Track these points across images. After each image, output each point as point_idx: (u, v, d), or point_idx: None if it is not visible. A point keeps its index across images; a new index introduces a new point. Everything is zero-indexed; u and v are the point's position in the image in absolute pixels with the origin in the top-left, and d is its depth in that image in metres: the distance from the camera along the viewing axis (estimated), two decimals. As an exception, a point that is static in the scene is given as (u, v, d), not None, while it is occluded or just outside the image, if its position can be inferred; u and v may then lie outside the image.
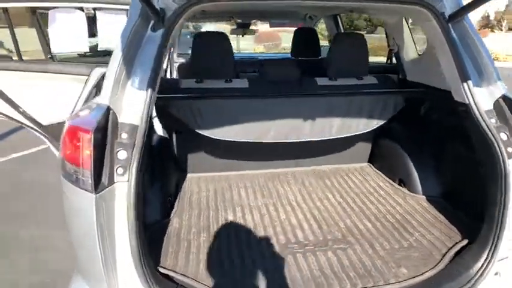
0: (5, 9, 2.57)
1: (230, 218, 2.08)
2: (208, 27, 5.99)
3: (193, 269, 1.63)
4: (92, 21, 2.83)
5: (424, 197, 2.25)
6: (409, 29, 2.45)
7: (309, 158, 2.71)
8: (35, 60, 2.79)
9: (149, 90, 1.42)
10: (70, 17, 2.70)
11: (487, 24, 34.04)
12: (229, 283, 1.59)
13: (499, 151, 1.53)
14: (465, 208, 2.02)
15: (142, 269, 1.36)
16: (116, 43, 1.55)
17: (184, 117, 2.22)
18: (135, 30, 1.48)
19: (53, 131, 2.87)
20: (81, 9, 2.74)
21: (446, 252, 1.73)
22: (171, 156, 2.53)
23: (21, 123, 2.75)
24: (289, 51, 3.62)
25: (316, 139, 2.34)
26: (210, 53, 2.27)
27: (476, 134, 1.64)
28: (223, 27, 5.68)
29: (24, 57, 2.92)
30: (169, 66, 3.51)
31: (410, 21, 2.42)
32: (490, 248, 1.55)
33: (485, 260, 1.55)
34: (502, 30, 30.22)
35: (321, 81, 2.38)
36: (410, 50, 2.48)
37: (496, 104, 1.64)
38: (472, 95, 1.63)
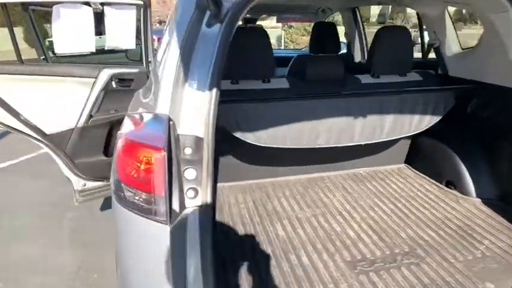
0: (3, 5, 2.25)
1: (281, 233, 1.87)
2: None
3: None
4: (98, 18, 2.54)
5: (479, 199, 2.12)
6: (452, 22, 2.31)
7: (343, 160, 2.54)
8: (36, 63, 2.47)
9: (213, 96, 1.19)
10: (76, 13, 2.41)
11: (460, 18, 34.95)
12: None
13: None
14: None
15: None
16: (168, 40, 1.32)
17: (221, 123, 2.00)
18: (192, 25, 1.25)
19: (58, 141, 2.57)
20: (88, 4, 2.45)
21: None
22: None
23: (22, 132, 2.43)
24: (276, 47, 3.39)
25: (368, 142, 2.17)
26: (247, 50, 2.05)
27: None
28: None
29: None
30: None
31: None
32: None
33: None
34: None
35: (365, 79, 2.20)
36: (454, 44, 2.34)
37: None
38: None
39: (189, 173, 1.12)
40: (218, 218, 2.00)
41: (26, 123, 2.40)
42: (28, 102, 2.41)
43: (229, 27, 1.26)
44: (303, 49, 7.37)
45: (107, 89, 2.59)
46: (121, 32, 2.63)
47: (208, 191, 1.09)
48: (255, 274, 1.56)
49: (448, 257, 1.67)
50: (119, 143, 1.13)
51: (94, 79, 2.54)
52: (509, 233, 1.82)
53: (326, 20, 3.82)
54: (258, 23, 5.18)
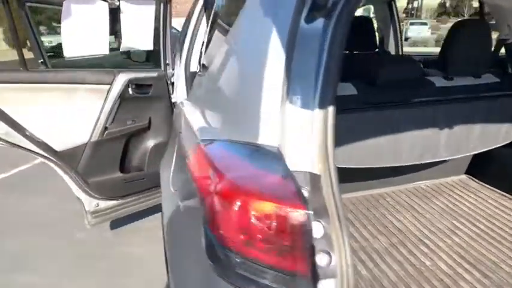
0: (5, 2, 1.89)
1: (364, 273, 1.58)
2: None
3: None
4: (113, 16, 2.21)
5: None
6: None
7: (402, 174, 2.25)
8: (42, 69, 2.13)
9: (329, 117, 0.88)
10: (89, 9, 2.07)
11: (444, 11, 35.24)
12: None
13: None
14: None
15: None
16: (263, 46, 0.99)
17: None
18: (287, 20, 0.92)
19: (69, 158, 2.23)
20: (103, -2, 2.12)
21: None
22: None
23: (28, 150, 2.09)
24: None
25: (453, 157, 1.89)
26: None
27: None
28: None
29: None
30: None
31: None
32: None
33: None
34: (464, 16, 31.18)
35: (438, 81, 1.92)
36: None
37: None
38: None
39: (317, 230, 0.78)
40: None
41: (33, 139, 2.06)
42: (34, 115, 2.07)
43: (343, 21, 0.89)
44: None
45: (123, 97, 2.26)
46: (138, 31, 2.30)
47: (347, 256, 0.78)
48: None
49: None
50: (221, 188, 0.79)
51: (109, 85, 2.21)
52: None
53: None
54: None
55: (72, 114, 2.16)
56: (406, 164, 1.95)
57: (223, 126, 1.01)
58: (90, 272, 2.54)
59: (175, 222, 1.28)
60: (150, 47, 2.39)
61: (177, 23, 3.37)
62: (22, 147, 2.06)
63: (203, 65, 1.62)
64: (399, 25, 3.35)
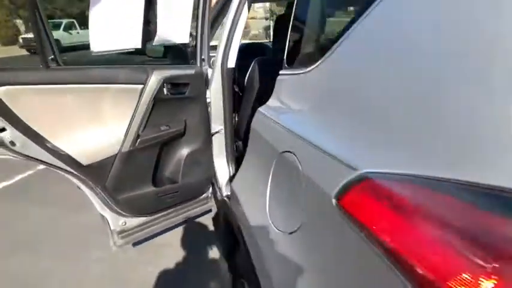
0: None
1: None
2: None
3: None
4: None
5: None
6: None
7: None
8: (66, 67, 1.76)
9: None
10: (122, -6, 1.71)
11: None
12: None
13: None
14: None
15: None
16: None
17: None
18: None
19: (97, 172, 1.88)
20: (137, -19, 1.76)
21: None
22: None
23: (49, 164, 1.73)
24: (261, 39, 2.69)
25: None
26: None
27: None
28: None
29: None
30: None
31: None
32: None
33: None
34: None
35: None
36: None
37: None
38: None
39: None
40: None
41: (55, 152, 1.70)
42: (57, 122, 1.71)
43: None
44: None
45: (157, 98, 1.92)
46: (175, 21, 1.95)
47: None
48: None
49: None
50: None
51: (142, 85, 1.86)
52: None
53: None
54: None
55: (100, 120, 1.81)
56: None
57: (398, 152, 0.68)
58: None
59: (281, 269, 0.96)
60: (186, 40, 2.04)
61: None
62: (41, 161, 1.70)
63: (295, 60, 1.27)
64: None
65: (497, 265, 0.46)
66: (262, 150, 1.30)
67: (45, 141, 1.68)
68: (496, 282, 0.46)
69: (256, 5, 15.96)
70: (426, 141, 0.62)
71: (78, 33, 16.16)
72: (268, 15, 19.76)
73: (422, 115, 0.63)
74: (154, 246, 2.65)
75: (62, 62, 2.37)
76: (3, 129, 1.57)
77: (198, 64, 2.11)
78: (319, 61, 1.00)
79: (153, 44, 1.97)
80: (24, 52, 15.18)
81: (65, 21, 16.00)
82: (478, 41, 0.56)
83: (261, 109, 1.50)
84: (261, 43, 4.10)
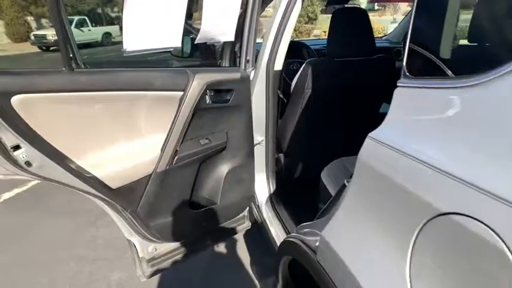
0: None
1: None
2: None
3: None
4: None
5: None
6: None
7: None
8: (93, 69, 1.45)
9: None
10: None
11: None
12: None
13: None
14: None
15: None
16: None
17: None
18: None
19: (127, 196, 1.58)
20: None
21: None
22: None
23: (74, 187, 1.43)
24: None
25: None
26: None
27: None
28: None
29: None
30: None
31: None
32: None
33: None
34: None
35: None
36: None
37: None
38: None
39: None
40: None
41: (79, 174, 1.40)
42: (82, 138, 1.41)
43: None
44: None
45: (197, 107, 1.61)
46: (222, 18, 1.65)
47: None
48: None
49: None
50: None
51: (181, 92, 1.55)
52: None
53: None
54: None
55: (133, 135, 1.51)
56: None
57: None
58: None
59: None
60: (232, 38, 1.73)
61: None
62: (63, 183, 1.40)
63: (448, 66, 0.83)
64: None
65: None
66: (388, 201, 0.82)
67: (68, 160, 1.38)
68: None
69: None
70: None
71: (89, 30, 15.98)
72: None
73: None
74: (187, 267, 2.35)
75: (83, 63, 2.07)
76: (17, 147, 1.27)
77: (243, 66, 1.80)
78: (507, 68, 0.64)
79: (195, 42, 1.66)
80: (36, 49, 15.01)
81: (76, 18, 15.78)
82: None
83: (378, 136, 0.90)
84: (296, 41, 3.77)
